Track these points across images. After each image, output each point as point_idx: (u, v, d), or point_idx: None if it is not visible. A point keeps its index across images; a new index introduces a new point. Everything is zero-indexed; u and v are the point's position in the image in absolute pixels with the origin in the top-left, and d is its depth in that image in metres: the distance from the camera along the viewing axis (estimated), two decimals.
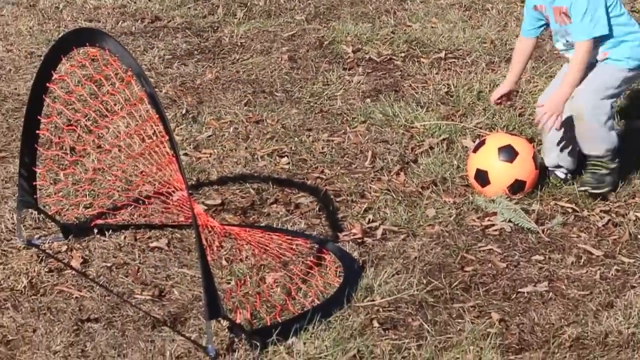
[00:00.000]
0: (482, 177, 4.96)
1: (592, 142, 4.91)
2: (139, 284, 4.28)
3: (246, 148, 5.59)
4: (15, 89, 6.30)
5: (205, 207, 4.85)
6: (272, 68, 6.72)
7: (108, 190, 4.97)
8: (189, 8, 7.92)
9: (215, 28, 7.55)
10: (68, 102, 5.37)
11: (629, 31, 4.89)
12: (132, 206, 4.87)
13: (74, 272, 4.32)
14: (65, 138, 5.28)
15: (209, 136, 5.74)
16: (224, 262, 4.42)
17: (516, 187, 4.93)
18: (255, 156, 5.50)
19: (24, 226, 4.62)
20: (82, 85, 5.72)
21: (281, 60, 6.87)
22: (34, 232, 4.64)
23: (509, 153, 4.92)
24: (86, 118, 5.39)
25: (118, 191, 4.98)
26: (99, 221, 4.74)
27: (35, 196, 4.52)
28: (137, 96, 4.91)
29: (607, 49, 4.86)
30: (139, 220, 4.77)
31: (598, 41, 4.81)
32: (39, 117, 4.37)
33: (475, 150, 5.05)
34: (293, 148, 5.56)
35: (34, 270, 4.31)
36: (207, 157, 5.49)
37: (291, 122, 5.88)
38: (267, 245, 4.49)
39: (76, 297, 4.15)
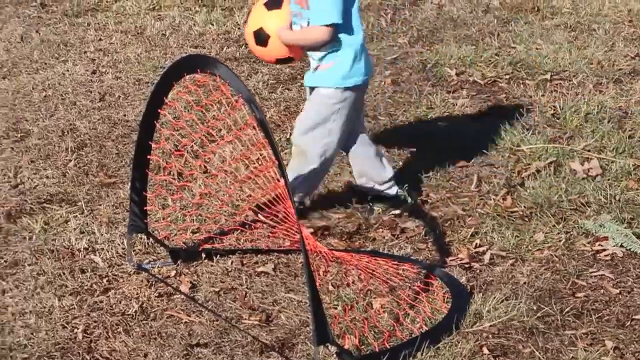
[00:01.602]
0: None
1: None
2: (247, 308, 4.29)
3: (350, 172, 5.56)
4: (124, 115, 6.40)
5: (312, 232, 4.84)
6: (375, 92, 6.71)
7: (215, 215, 5.01)
8: None
9: None
10: (176, 128, 5.43)
11: (359, 43, 4.79)
12: (239, 231, 4.89)
13: (183, 296, 4.35)
14: (173, 163, 5.34)
15: None
16: (331, 287, 4.40)
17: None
18: (350, 181, 5.48)
19: (134, 251, 4.67)
20: (189, 110, 5.78)
21: (384, 83, 6.86)
22: (143, 257, 4.68)
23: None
24: (193, 143, 5.46)
25: (225, 216, 5.01)
26: (207, 246, 4.77)
27: (145, 221, 4.57)
28: (243, 121, 4.94)
29: (332, 57, 4.76)
30: (246, 245, 4.79)
31: (329, 39, 4.67)
32: (150, 143, 4.43)
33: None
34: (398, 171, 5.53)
35: (145, 295, 4.35)
36: None
37: (396, 146, 5.85)
38: (373, 270, 4.46)
39: (185, 322, 4.17)
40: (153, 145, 4.47)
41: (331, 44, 4.70)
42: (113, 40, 7.87)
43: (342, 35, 4.71)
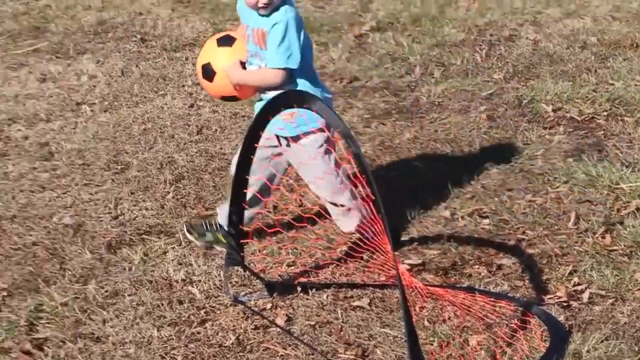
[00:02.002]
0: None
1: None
2: (343, 343, 4.29)
3: (446, 207, 5.56)
4: (221, 148, 6.49)
5: (407, 267, 4.84)
6: (470, 127, 6.70)
7: (310, 248, 5.03)
8: (387, 68, 8.01)
9: (413, 87, 7.59)
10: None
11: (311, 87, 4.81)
12: (334, 265, 4.91)
13: (279, 329, 4.38)
14: (269, 197, 5.38)
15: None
16: (427, 323, 4.39)
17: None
18: (455, 216, 5.47)
19: (230, 283, 4.72)
20: None
21: (479, 119, 6.84)
22: (240, 289, 4.73)
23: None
24: (289, 177, 5.49)
25: (320, 249, 5.04)
26: (302, 279, 4.80)
27: (242, 254, 4.62)
28: (339, 155, 4.96)
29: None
30: (341, 279, 4.81)
31: (281, 83, 4.71)
32: (246, 177, 4.48)
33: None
34: (493, 208, 5.50)
35: (241, 327, 4.39)
36: (406, 216, 5.50)
37: (491, 181, 5.83)
38: (470, 307, 4.44)
39: (281, 355, 4.20)
40: (249, 179, 4.53)
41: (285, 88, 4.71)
42: None
43: (300, 81, 4.78)
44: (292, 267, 4.91)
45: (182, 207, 5.63)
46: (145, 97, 7.47)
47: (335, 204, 4.90)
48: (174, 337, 4.32)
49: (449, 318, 4.42)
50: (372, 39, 8.77)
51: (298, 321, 4.46)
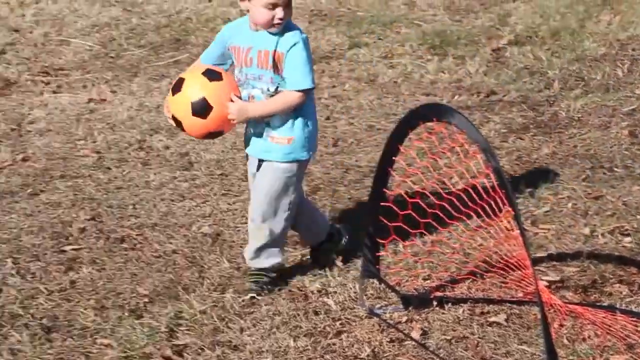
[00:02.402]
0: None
1: None
2: (479, 358, 4.27)
3: (585, 224, 5.48)
4: (357, 160, 6.53)
5: (546, 284, 4.78)
6: (611, 143, 6.59)
7: (446, 262, 5.02)
8: (525, 82, 7.94)
9: (552, 102, 7.51)
10: (410, 175, 5.48)
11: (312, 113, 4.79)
12: (470, 279, 4.88)
13: (414, 343, 4.38)
14: (405, 210, 5.39)
15: (547, 211, 5.69)
16: (566, 341, 4.33)
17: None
18: (595, 233, 5.38)
19: (366, 295, 4.74)
20: (422, 158, 5.83)
21: (621, 135, 6.72)
22: (375, 302, 4.74)
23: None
24: (424, 192, 5.49)
25: (456, 263, 5.02)
26: (438, 293, 4.78)
27: (377, 266, 4.64)
28: (475, 170, 4.94)
29: (294, 131, 4.69)
30: (477, 294, 4.78)
31: (302, 104, 4.63)
32: (384, 190, 4.50)
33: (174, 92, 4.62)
34: (636, 226, 5.39)
35: (376, 340, 4.40)
36: (544, 232, 5.44)
37: (633, 199, 5.72)
38: (610, 326, 4.36)
39: None
40: (386, 192, 4.54)
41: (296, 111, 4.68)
42: (346, 87, 8.04)
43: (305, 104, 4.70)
44: (428, 281, 4.90)
45: None
46: None
47: (260, 228, 4.84)
48: (310, 348, 4.35)
49: (589, 337, 4.34)
50: (510, 53, 8.70)
51: (434, 335, 4.45)
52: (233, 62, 4.77)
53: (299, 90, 4.60)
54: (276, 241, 4.85)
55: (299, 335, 4.45)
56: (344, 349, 4.34)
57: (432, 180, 5.29)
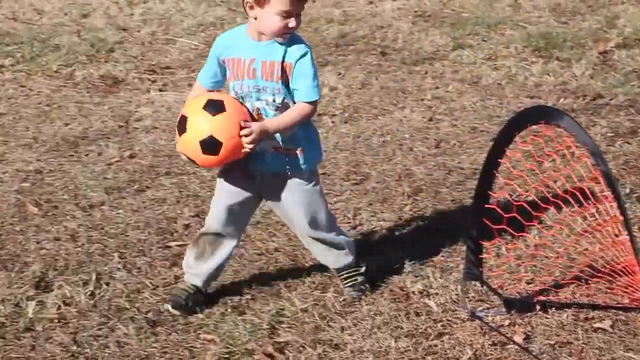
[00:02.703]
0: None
1: None
2: None
3: None
4: (459, 162, 6.50)
5: None
6: None
7: (550, 266, 4.96)
8: (633, 86, 7.82)
9: None
10: (514, 177, 5.44)
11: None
12: (575, 284, 4.82)
13: (517, 347, 4.34)
14: (509, 213, 5.35)
15: None
16: None
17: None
18: None
19: (467, 298, 4.72)
20: (526, 161, 5.78)
21: None
22: (477, 304, 4.71)
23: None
24: (528, 195, 5.44)
25: (560, 268, 4.96)
26: (541, 297, 4.73)
27: (480, 269, 4.62)
28: (579, 175, 4.87)
29: (302, 141, 4.55)
30: (582, 299, 4.71)
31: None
32: (488, 192, 4.47)
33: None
34: None
35: (478, 342, 4.38)
36: None
37: None
38: None
39: None
40: (491, 194, 4.52)
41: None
42: (449, 88, 8.02)
43: None
44: (531, 285, 4.85)
45: (420, 220, 5.67)
46: (384, 110, 7.58)
47: (319, 240, 4.78)
48: (411, 349, 4.35)
49: None
50: (618, 56, 8.58)
51: (537, 340, 4.41)
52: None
53: (310, 102, 4.45)
54: (340, 243, 4.83)
55: (400, 335, 4.45)
56: (445, 351, 4.33)
57: (537, 184, 5.24)
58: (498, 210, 4.80)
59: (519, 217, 4.65)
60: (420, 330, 4.50)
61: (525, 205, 4.91)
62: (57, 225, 5.62)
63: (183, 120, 4.34)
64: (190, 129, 4.31)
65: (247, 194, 4.65)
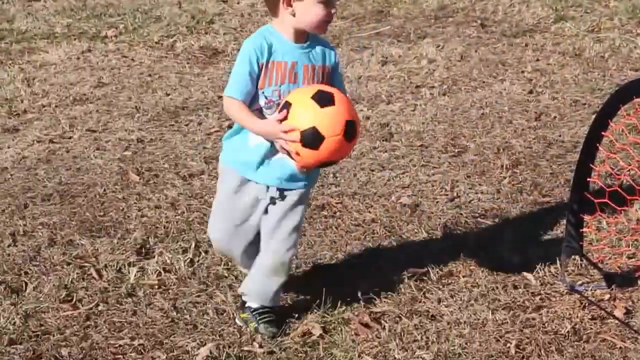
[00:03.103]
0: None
1: None
2: None
3: None
4: (560, 135, 6.42)
5: None
6: None
7: None
8: None
9: None
10: (617, 151, 5.36)
11: None
12: None
13: (617, 321, 4.28)
14: (611, 187, 5.27)
15: None
16: None
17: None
18: None
19: (567, 272, 4.66)
20: (630, 134, 5.68)
21: None
22: (576, 278, 4.66)
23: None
24: (632, 168, 5.36)
25: None
26: None
27: (580, 243, 4.56)
28: None
29: None
30: None
31: None
32: (590, 165, 4.41)
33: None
34: None
35: (577, 316, 4.33)
36: None
37: None
38: None
39: (620, 348, 4.10)
40: (595, 168, 4.45)
41: None
42: (550, 61, 7.91)
43: None
44: (633, 259, 4.78)
45: (518, 193, 5.62)
46: (483, 82, 7.51)
47: (284, 266, 4.26)
48: (509, 321, 4.32)
49: None
50: None
51: (638, 315, 4.34)
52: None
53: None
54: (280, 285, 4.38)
55: (498, 308, 4.42)
56: (543, 324, 4.29)
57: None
58: (600, 183, 4.75)
59: (621, 191, 4.58)
60: (518, 303, 4.46)
61: (628, 179, 4.83)
62: (158, 193, 5.71)
63: (286, 106, 3.98)
64: (293, 118, 3.96)
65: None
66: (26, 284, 4.70)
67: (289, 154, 3.99)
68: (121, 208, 5.53)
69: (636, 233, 4.94)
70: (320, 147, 3.92)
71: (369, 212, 5.45)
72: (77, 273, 4.79)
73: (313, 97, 3.93)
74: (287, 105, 3.97)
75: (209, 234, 4.41)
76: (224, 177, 4.29)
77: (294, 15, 3.99)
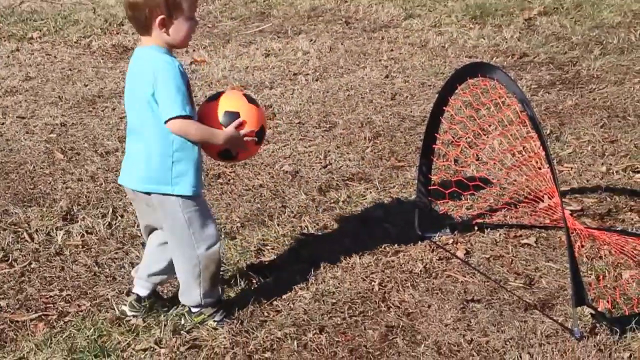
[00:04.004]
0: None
1: None
2: (512, 273, 4.23)
3: (602, 164, 5.37)
4: (411, 111, 6.46)
5: (568, 212, 4.70)
6: (625, 96, 6.44)
7: (486, 195, 4.96)
8: (552, 46, 7.78)
9: (574, 62, 7.35)
10: (456, 122, 5.42)
11: None
12: (506, 209, 4.82)
13: (459, 260, 4.35)
14: (452, 152, 5.34)
15: (570, 153, 5.59)
16: (585, 259, 4.27)
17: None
18: (611, 171, 5.28)
19: (418, 222, 4.70)
20: (466, 108, 5.76)
21: (633, 89, 6.56)
22: (426, 227, 4.70)
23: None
24: (468, 136, 5.43)
25: (494, 196, 4.96)
26: (479, 220, 4.73)
27: (429, 198, 4.60)
28: (509, 119, 4.86)
29: None
30: (512, 221, 4.72)
31: None
32: (435, 134, 4.45)
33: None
34: None
35: (428, 258, 4.38)
36: (568, 170, 5.35)
37: None
38: (623, 247, 4.29)
39: (461, 281, 4.17)
40: (437, 136, 4.49)
41: None
42: (402, 51, 7.95)
43: None
44: (471, 210, 4.85)
45: (379, 159, 5.65)
46: (349, 69, 7.51)
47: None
48: (373, 264, 4.34)
49: (604, 255, 4.28)
50: (540, 22, 8.53)
51: (475, 254, 4.41)
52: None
53: None
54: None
55: (364, 253, 4.44)
56: (400, 265, 4.33)
57: (475, 127, 5.22)
58: (443, 149, 4.79)
59: (460, 155, 4.62)
60: (380, 249, 4.49)
61: (465, 146, 4.89)
62: (80, 168, 5.56)
63: (234, 115, 3.59)
64: (249, 121, 3.60)
65: None
66: None
67: (231, 154, 3.63)
68: (48, 182, 5.37)
69: (472, 189, 5.01)
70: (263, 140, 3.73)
71: (257, 179, 5.41)
72: (12, 237, 4.64)
73: (248, 100, 3.67)
74: (235, 114, 3.59)
75: (213, 244, 3.67)
76: (194, 202, 3.62)
77: (168, 34, 3.52)
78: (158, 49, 3.53)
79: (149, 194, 3.61)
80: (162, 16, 3.48)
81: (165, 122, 3.46)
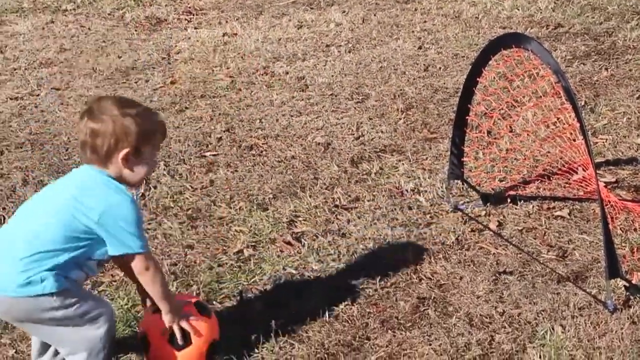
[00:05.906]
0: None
1: None
2: (545, 245, 4.19)
3: (638, 135, 5.30)
4: (444, 83, 6.41)
5: (603, 184, 4.65)
6: None
7: (519, 167, 4.91)
8: (587, 16, 7.66)
9: (610, 33, 7.24)
10: (490, 94, 5.36)
11: None
12: (539, 181, 4.78)
13: (491, 232, 4.32)
14: (485, 123, 5.29)
15: (605, 125, 5.51)
16: (619, 231, 4.21)
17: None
18: None
19: (451, 194, 4.68)
20: (499, 80, 5.69)
21: None
22: (459, 199, 4.68)
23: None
24: (501, 107, 5.36)
25: (527, 168, 4.91)
26: (512, 192, 4.69)
27: (462, 170, 4.57)
28: (543, 90, 4.80)
29: None
30: (545, 193, 4.67)
31: None
32: (468, 106, 4.40)
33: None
34: None
35: (460, 230, 4.35)
36: (603, 142, 5.27)
37: None
38: None
39: (494, 253, 4.14)
40: (470, 108, 4.45)
41: None
42: (435, 22, 7.87)
43: None
44: (504, 182, 4.81)
45: (411, 131, 5.61)
46: (381, 41, 7.45)
47: None
48: (405, 236, 4.33)
49: (639, 228, 4.22)
50: None
51: (508, 226, 4.38)
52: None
53: None
54: None
55: (396, 225, 4.42)
56: (433, 237, 4.31)
57: (509, 99, 5.16)
58: (476, 121, 4.75)
59: (493, 127, 4.58)
60: (412, 221, 4.47)
61: (499, 117, 4.84)
62: None
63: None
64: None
65: None
66: (4, 217, 4.57)
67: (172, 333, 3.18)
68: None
69: (505, 161, 4.97)
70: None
71: (290, 150, 5.40)
72: None
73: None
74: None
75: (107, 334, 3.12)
76: (72, 293, 3.03)
77: (131, 170, 3.05)
78: (112, 181, 3.03)
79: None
80: (127, 150, 3.01)
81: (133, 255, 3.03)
